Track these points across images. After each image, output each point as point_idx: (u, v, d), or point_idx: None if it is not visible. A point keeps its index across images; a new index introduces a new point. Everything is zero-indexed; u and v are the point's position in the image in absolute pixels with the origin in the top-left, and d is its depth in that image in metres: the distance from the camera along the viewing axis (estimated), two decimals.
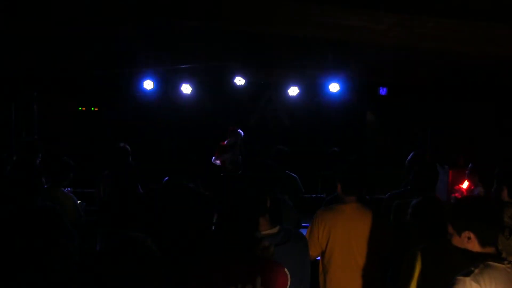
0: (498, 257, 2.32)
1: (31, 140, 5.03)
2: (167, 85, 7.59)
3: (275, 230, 2.72)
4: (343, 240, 3.46)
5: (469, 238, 2.35)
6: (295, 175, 5.28)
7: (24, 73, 6.53)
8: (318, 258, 3.67)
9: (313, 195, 7.58)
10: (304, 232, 3.27)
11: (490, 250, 2.34)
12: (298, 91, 8.48)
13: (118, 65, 6.60)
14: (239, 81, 7.11)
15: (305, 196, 7.37)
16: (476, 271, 2.27)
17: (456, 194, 4.91)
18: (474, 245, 2.35)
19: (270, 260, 2.34)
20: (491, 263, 2.29)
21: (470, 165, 5.01)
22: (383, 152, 8.62)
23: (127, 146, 5.41)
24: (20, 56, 6.12)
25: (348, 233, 3.46)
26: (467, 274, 2.26)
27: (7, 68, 6.23)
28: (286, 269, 2.59)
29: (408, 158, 5.36)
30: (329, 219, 3.50)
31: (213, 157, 7.65)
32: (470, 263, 2.34)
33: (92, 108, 8.52)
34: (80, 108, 8.52)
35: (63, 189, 4.56)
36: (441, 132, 6.91)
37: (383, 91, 7.59)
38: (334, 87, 6.48)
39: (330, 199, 4.35)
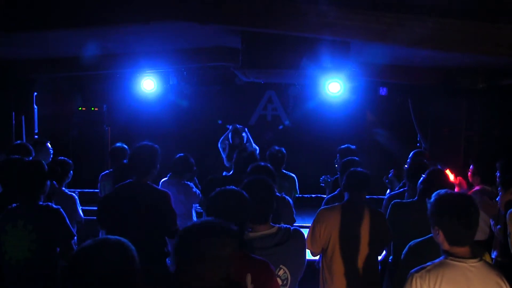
0: (466, 256, 2.31)
1: (20, 143, 5.02)
2: (167, 85, 7.59)
3: (274, 230, 2.74)
4: (345, 238, 3.50)
5: (437, 233, 2.36)
6: (293, 174, 5.29)
7: (24, 73, 6.52)
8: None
9: (313, 195, 7.59)
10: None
11: (459, 250, 2.32)
12: (298, 91, 8.49)
13: (119, 65, 6.60)
14: (239, 81, 7.12)
15: (305, 196, 7.39)
16: (428, 267, 2.30)
17: (456, 188, 4.94)
18: (443, 242, 2.35)
19: (260, 259, 2.37)
20: (449, 260, 2.30)
21: (471, 166, 5.03)
22: (383, 152, 8.61)
23: (124, 146, 5.41)
24: (20, 56, 6.13)
25: (350, 231, 3.50)
26: (417, 271, 2.30)
27: (7, 68, 6.23)
28: (284, 267, 2.62)
29: (408, 159, 5.38)
30: (331, 218, 3.54)
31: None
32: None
33: (92, 108, 8.51)
34: (80, 108, 8.51)
35: (63, 189, 4.57)
36: (441, 132, 6.90)
37: (383, 91, 7.59)
38: (334, 87, 6.47)
39: (330, 198, 4.38)
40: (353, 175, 3.67)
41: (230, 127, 7.31)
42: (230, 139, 7.15)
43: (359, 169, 3.79)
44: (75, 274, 1.68)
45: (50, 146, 5.18)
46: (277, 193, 3.95)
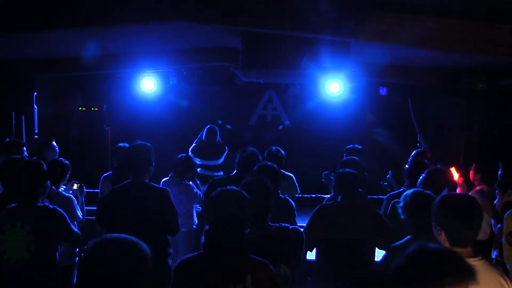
0: (467, 255, 2.31)
1: (9, 140, 4.95)
2: (167, 85, 7.59)
3: (273, 229, 2.75)
4: (339, 237, 3.52)
5: (439, 233, 2.37)
6: (291, 174, 5.29)
7: (24, 73, 6.53)
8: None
9: (313, 195, 7.59)
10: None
11: (460, 250, 2.31)
12: (298, 91, 8.49)
13: (119, 65, 6.60)
14: (239, 81, 7.12)
15: (305, 196, 7.38)
16: None
17: (459, 189, 4.96)
18: (444, 241, 2.37)
19: (260, 260, 2.37)
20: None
21: (473, 165, 5.05)
22: (383, 152, 8.61)
23: (128, 146, 5.41)
24: (20, 56, 6.13)
25: (344, 230, 3.52)
26: None
27: (7, 68, 6.23)
28: (284, 267, 2.63)
29: (410, 158, 5.39)
30: (328, 216, 3.56)
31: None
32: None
33: (92, 108, 8.50)
34: (80, 108, 8.50)
35: (60, 190, 4.56)
36: (441, 132, 6.91)
37: (383, 91, 7.59)
38: (334, 87, 6.47)
39: (331, 198, 4.40)
40: (340, 177, 3.70)
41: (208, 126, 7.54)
42: (203, 136, 7.44)
43: (347, 170, 3.80)
44: (86, 268, 1.69)
45: (55, 144, 5.17)
46: (281, 195, 3.96)
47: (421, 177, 3.79)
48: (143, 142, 3.78)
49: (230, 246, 2.32)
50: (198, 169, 7.10)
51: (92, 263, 1.68)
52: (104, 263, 1.66)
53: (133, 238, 1.77)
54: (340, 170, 3.81)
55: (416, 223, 2.94)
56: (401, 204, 3.03)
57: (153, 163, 3.75)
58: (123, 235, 1.77)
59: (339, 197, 3.71)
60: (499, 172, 4.68)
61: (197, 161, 7.05)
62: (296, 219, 4.10)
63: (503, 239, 3.63)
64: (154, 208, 3.58)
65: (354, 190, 3.70)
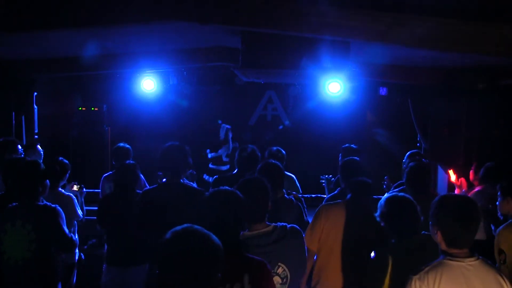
0: (463, 256, 2.32)
1: (7, 139, 4.91)
2: (167, 85, 7.59)
3: (270, 228, 2.75)
4: (346, 234, 3.53)
5: (436, 233, 2.38)
6: (292, 175, 5.29)
7: (24, 73, 6.52)
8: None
9: (313, 195, 7.59)
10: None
11: (456, 251, 2.34)
12: (298, 91, 8.49)
13: (119, 65, 6.60)
14: (239, 81, 7.12)
15: (305, 196, 7.38)
16: (426, 269, 2.32)
17: (457, 190, 4.95)
18: (441, 242, 2.37)
19: (257, 259, 2.37)
20: (446, 261, 2.32)
21: (474, 165, 5.05)
22: (383, 152, 8.61)
23: (128, 146, 5.41)
24: (20, 56, 6.13)
25: (352, 228, 3.53)
26: (415, 273, 2.32)
27: (7, 68, 6.23)
28: (282, 265, 2.64)
29: (404, 159, 5.39)
30: (333, 213, 3.56)
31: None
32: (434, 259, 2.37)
33: (92, 108, 8.50)
34: (80, 108, 8.50)
35: (60, 189, 4.57)
36: (441, 132, 6.90)
37: (383, 91, 7.58)
38: (334, 87, 6.46)
39: (330, 198, 4.40)
40: (357, 183, 3.70)
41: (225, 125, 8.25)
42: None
43: (364, 178, 3.80)
44: (163, 256, 1.79)
45: (40, 148, 5.13)
46: (286, 195, 3.94)
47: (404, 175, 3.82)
48: (176, 143, 3.81)
49: (227, 246, 2.32)
50: (210, 164, 7.52)
51: (168, 251, 1.78)
52: (184, 253, 1.77)
53: (206, 231, 1.88)
54: (355, 178, 3.78)
55: (396, 228, 2.94)
56: (378, 213, 3.04)
57: (190, 162, 3.81)
58: (200, 228, 1.87)
59: (348, 195, 3.71)
60: (481, 173, 4.66)
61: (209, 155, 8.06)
62: (306, 218, 4.04)
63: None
64: (186, 208, 3.56)
65: (366, 195, 3.71)
